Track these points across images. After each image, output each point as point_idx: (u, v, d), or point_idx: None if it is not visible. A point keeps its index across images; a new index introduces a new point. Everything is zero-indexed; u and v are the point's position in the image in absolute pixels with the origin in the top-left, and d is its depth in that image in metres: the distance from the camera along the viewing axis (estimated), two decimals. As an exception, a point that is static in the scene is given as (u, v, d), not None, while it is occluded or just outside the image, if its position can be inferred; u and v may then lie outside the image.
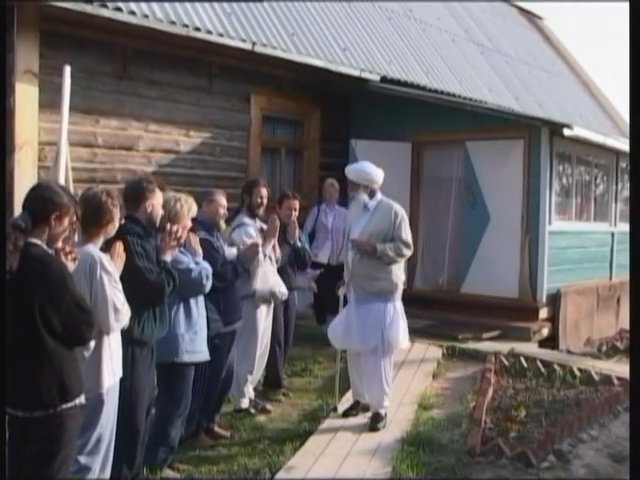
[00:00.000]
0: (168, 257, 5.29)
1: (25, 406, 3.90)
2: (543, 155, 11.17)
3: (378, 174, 7.07)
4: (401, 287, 7.05)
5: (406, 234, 6.98)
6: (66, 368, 3.95)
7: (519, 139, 11.31)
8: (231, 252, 6.66)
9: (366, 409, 7.13)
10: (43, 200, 4.01)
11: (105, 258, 4.58)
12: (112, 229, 4.76)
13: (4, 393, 3.89)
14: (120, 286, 4.59)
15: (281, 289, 7.35)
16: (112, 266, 4.59)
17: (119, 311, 4.52)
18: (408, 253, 7.04)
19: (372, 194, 7.05)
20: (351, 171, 7.19)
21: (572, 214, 12.58)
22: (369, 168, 7.10)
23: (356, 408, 7.21)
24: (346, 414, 7.14)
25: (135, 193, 5.26)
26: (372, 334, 6.83)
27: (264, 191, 7.47)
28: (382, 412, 6.92)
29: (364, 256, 6.88)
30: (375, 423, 6.81)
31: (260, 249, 6.92)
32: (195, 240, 5.92)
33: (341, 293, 7.27)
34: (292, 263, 7.99)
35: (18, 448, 3.98)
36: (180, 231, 5.37)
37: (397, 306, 6.99)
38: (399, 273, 7.03)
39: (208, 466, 6.00)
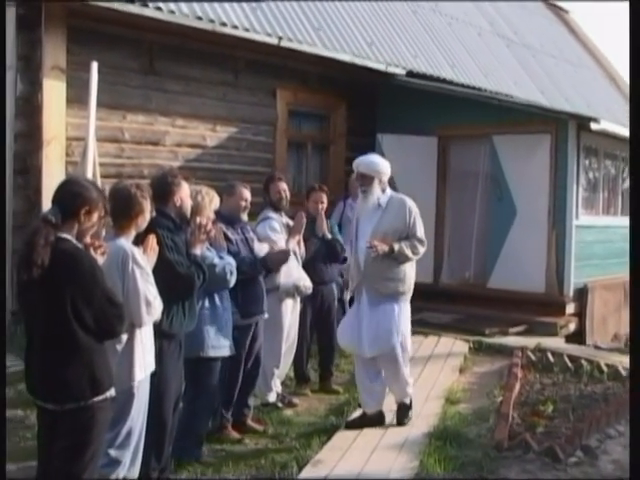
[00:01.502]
0: (198, 250, 5.31)
1: (56, 399, 3.91)
2: (570, 149, 11.10)
3: (387, 165, 6.72)
4: (412, 288, 6.70)
5: (421, 231, 6.63)
6: (97, 361, 3.95)
7: (546, 133, 11.24)
8: (261, 248, 6.64)
9: (372, 422, 6.70)
10: (72, 195, 4.01)
11: (137, 251, 4.59)
12: (143, 222, 4.75)
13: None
14: (152, 279, 4.60)
15: (305, 283, 7.32)
16: (144, 259, 4.61)
17: (151, 304, 4.54)
18: (423, 251, 6.67)
19: (383, 189, 6.68)
20: (362, 164, 6.72)
21: (599, 208, 12.51)
22: (379, 159, 6.80)
23: (362, 421, 6.70)
24: (349, 426, 6.65)
25: (162, 189, 5.23)
26: (387, 336, 6.49)
27: (281, 185, 7.43)
28: (407, 401, 6.76)
29: (378, 256, 6.41)
30: (402, 416, 6.70)
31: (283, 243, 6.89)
32: (220, 234, 5.92)
33: (347, 297, 6.98)
34: (323, 256, 7.87)
35: (48, 441, 4.01)
36: (209, 224, 5.39)
37: (406, 307, 6.66)
38: (412, 273, 6.67)
39: (236, 460, 6.00)
